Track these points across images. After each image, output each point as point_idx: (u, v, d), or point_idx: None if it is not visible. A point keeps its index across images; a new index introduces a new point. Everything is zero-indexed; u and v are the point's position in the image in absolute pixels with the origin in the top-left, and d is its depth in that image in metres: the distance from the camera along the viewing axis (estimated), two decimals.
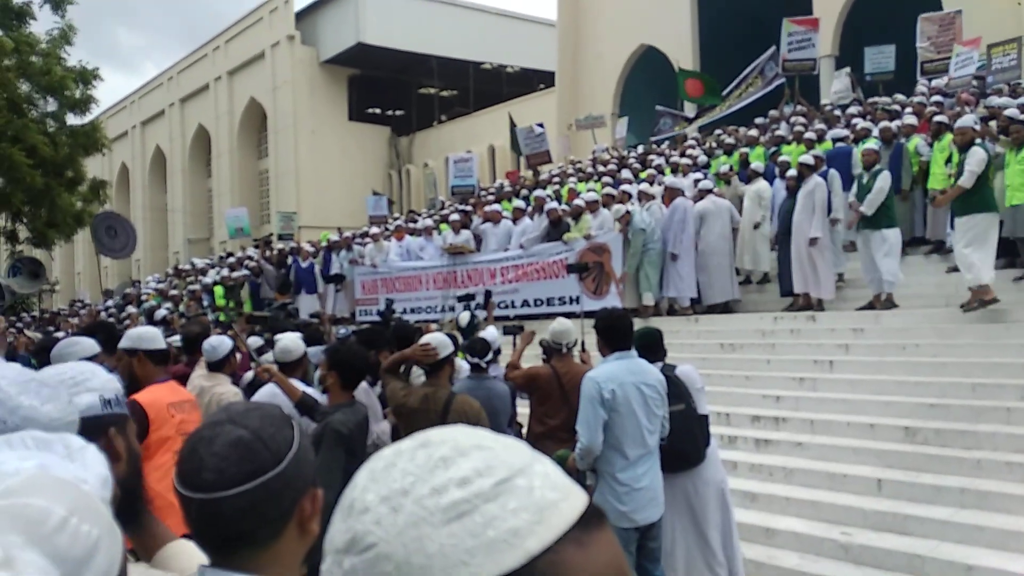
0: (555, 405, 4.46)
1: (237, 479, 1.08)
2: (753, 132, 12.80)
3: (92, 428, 1.38)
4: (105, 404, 1.47)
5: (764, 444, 6.39)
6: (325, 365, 3.77)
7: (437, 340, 3.86)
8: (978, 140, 7.36)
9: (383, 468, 0.57)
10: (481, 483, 0.53)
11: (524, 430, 4.89)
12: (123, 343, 3.64)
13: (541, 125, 18.68)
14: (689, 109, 19.46)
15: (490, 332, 5.36)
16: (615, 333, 3.81)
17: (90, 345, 3.40)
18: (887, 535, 4.93)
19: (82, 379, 1.46)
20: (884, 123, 10.10)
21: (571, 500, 0.55)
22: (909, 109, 11.27)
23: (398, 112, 37.06)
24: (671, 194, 9.78)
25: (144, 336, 3.62)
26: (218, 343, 4.63)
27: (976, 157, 6.96)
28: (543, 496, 0.54)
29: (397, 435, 4.19)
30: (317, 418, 3.63)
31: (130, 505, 1.44)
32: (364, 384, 4.41)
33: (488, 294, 7.65)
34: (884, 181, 7.91)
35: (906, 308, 7.81)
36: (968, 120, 7.61)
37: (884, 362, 6.93)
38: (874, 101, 13.33)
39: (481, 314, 7.15)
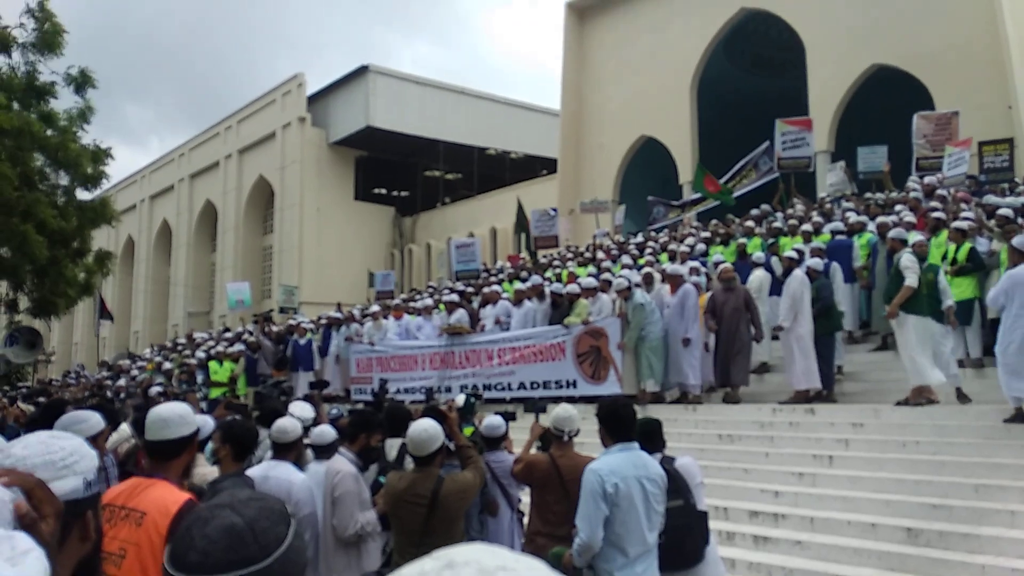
0: (553, 496, 4.34)
1: (220, 566, 1.08)
2: (750, 223, 12.99)
3: (73, 511, 1.42)
4: (87, 486, 1.47)
5: (763, 541, 6.22)
6: (218, 438, 4.05)
7: (432, 431, 3.82)
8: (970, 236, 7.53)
9: None
10: None
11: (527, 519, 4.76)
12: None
13: (555, 210, 19.04)
14: (686, 195, 19.86)
15: (492, 420, 5.30)
16: (619, 422, 3.69)
17: (97, 421, 3.38)
18: None
19: (71, 461, 1.46)
20: (881, 218, 10.26)
21: None
22: (905, 206, 11.48)
23: (403, 193, 37.77)
24: (674, 281, 9.76)
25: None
26: (201, 423, 4.59)
27: (906, 259, 7.49)
28: None
29: (386, 524, 4.08)
30: (208, 489, 3.69)
31: None
32: (353, 470, 4.33)
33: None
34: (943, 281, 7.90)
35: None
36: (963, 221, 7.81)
37: (884, 459, 6.83)
38: (868, 197, 13.58)
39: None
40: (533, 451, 4.74)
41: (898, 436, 7.08)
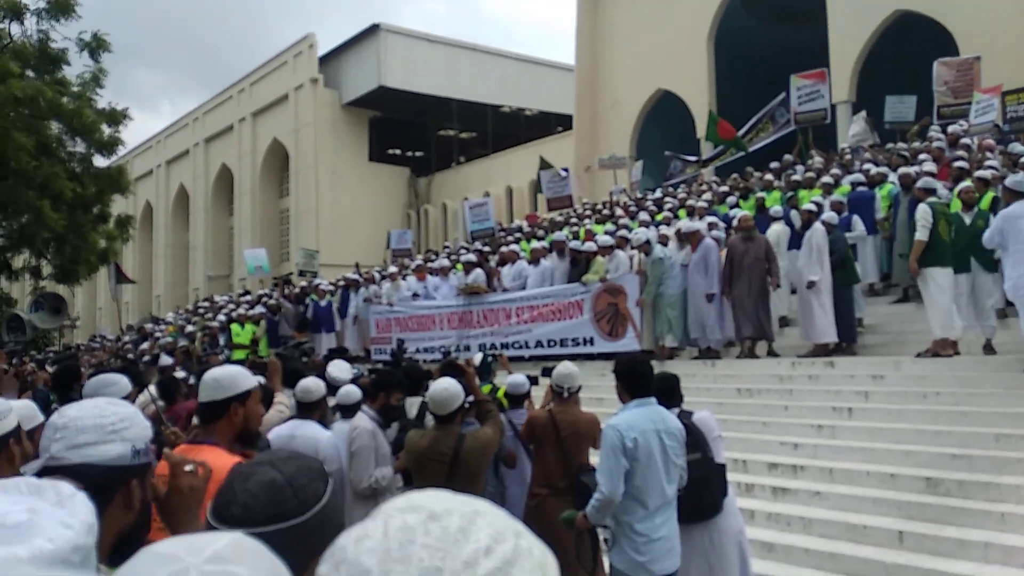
0: (551, 450, 4.41)
1: (261, 519, 1.12)
2: (769, 176, 12.82)
3: (117, 478, 1.44)
4: (135, 455, 1.48)
5: (782, 493, 6.27)
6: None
7: (452, 390, 3.86)
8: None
9: (399, 547, 0.57)
10: (502, 550, 0.57)
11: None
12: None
13: (566, 170, 18.85)
14: (704, 149, 19.61)
15: (516, 378, 5.34)
16: (637, 379, 3.71)
17: (125, 384, 3.44)
18: None
19: (121, 427, 1.48)
20: (903, 168, 10.08)
21: (550, 555, 0.61)
22: (929, 156, 11.27)
23: (417, 153, 37.58)
24: (693, 238, 9.56)
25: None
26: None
27: (920, 212, 7.34)
28: (541, 555, 0.59)
29: (408, 480, 4.16)
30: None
31: (124, 551, 1.44)
32: (371, 426, 4.40)
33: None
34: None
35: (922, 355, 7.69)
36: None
37: (905, 410, 6.82)
38: (890, 147, 13.34)
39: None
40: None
41: (918, 388, 7.05)
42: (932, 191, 7.85)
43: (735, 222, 9.48)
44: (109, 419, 1.47)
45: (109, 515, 1.42)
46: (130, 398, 4.06)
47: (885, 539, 5.31)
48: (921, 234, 7.31)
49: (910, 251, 7.51)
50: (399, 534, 0.58)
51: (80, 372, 5.06)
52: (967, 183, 8.18)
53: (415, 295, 12.89)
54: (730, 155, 16.86)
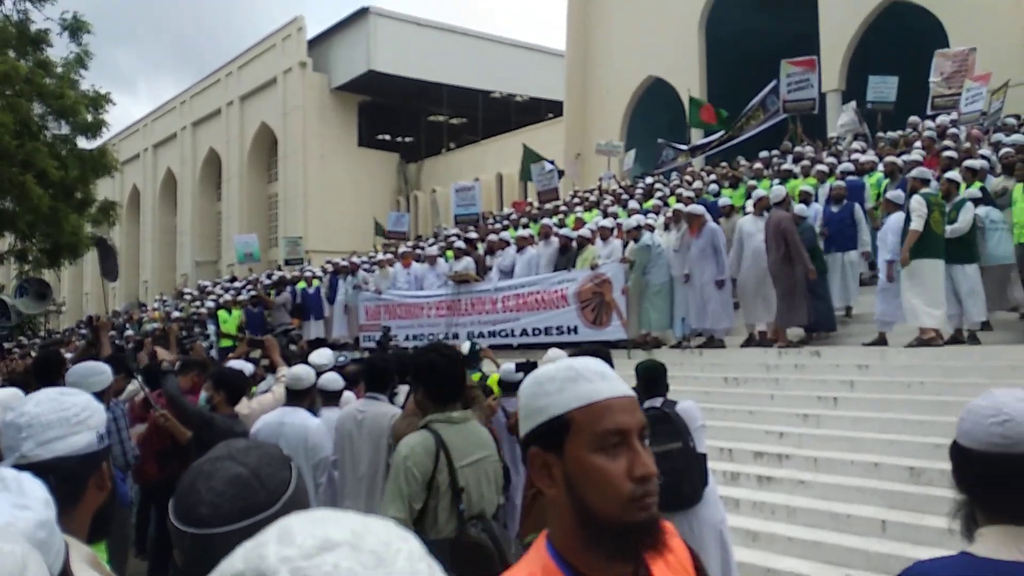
0: None
1: (231, 516, 1.08)
2: (759, 165, 12.82)
3: (89, 465, 1.49)
4: (100, 440, 1.53)
5: (767, 481, 6.29)
6: (210, 386, 4.51)
7: None
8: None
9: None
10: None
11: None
12: None
13: (552, 162, 18.78)
14: (694, 138, 19.58)
15: (509, 366, 5.33)
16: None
17: (108, 373, 3.47)
18: None
19: (84, 416, 1.51)
20: (890, 158, 10.09)
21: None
22: (919, 143, 11.29)
23: (407, 139, 37.37)
24: (695, 221, 9.15)
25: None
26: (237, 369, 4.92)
27: (914, 202, 7.32)
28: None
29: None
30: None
31: (99, 525, 1.56)
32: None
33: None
34: (969, 213, 7.58)
35: (902, 343, 7.73)
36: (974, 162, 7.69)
37: (889, 400, 6.85)
38: (879, 135, 13.37)
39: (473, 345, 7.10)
40: None
41: (904, 377, 7.09)
42: (927, 181, 7.78)
43: (752, 203, 9.28)
44: (71, 411, 1.50)
45: (86, 499, 1.49)
46: (115, 386, 4.03)
47: (868, 528, 5.34)
48: (916, 224, 7.29)
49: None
50: (321, 558, 0.56)
51: (64, 360, 5.00)
52: (954, 173, 8.19)
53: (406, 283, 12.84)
54: (720, 143, 16.85)
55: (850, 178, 10.35)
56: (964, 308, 7.49)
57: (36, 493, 0.89)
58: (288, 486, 1.14)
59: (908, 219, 7.45)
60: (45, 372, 4.43)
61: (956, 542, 4.97)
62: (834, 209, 9.23)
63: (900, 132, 13.84)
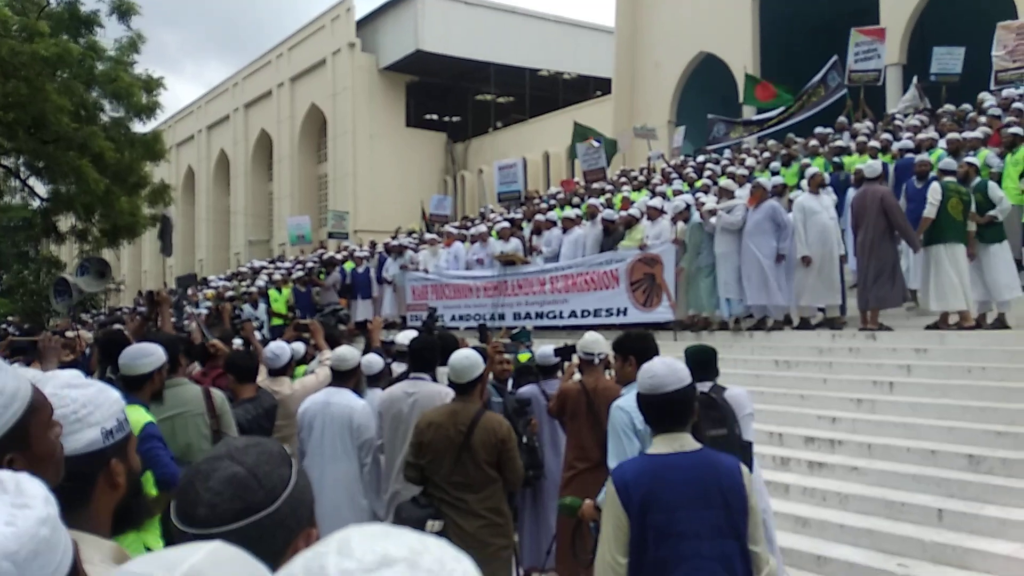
0: (584, 422, 4.34)
1: (229, 516, 1.08)
2: (814, 143, 12.47)
3: (95, 463, 1.42)
4: (107, 436, 1.45)
5: (818, 467, 6.17)
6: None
7: (473, 358, 3.81)
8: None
9: None
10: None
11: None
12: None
13: (599, 140, 18.53)
14: (746, 116, 19.11)
15: (545, 349, 5.31)
16: (643, 354, 3.63)
17: (160, 356, 3.45)
18: (947, 569, 4.70)
19: (84, 413, 1.43)
20: (952, 134, 9.69)
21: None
22: (983, 119, 10.83)
23: (455, 118, 37.35)
24: (758, 193, 8.78)
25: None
26: (279, 351, 4.95)
27: (931, 190, 7.59)
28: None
29: (418, 450, 3.95)
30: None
31: (125, 517, 1.52)
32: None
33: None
34: (998, 191, 7.86)
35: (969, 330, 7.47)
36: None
37: (948, 385, 6.63)
38: (941, 111, 12.88)
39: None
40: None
41: (964, 362, 6.85)
42: (951, 172, 7.91)
43: (806, 181, 8.95)
44: (70, 408, 1.42)
45: (97, 498, 1.42)
46: (167, 366, 4.10)
47: (924, 517, 5.20)
48: (929, 211, 7.51)
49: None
50: None
51: (126, 340, 5.13)
52: (991, 154, 8.13)
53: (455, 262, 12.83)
54: (780, 121, 16.33)
55: (907, 156, 9.99)
56: (992, 289, 7.55)
57: (35, 491, 0.88)
58: (287, 484, 1.13)
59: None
60: (108, 353, 4.54)
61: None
62: (917, 185, 8.54)
63: (956, 107, 13.31)
